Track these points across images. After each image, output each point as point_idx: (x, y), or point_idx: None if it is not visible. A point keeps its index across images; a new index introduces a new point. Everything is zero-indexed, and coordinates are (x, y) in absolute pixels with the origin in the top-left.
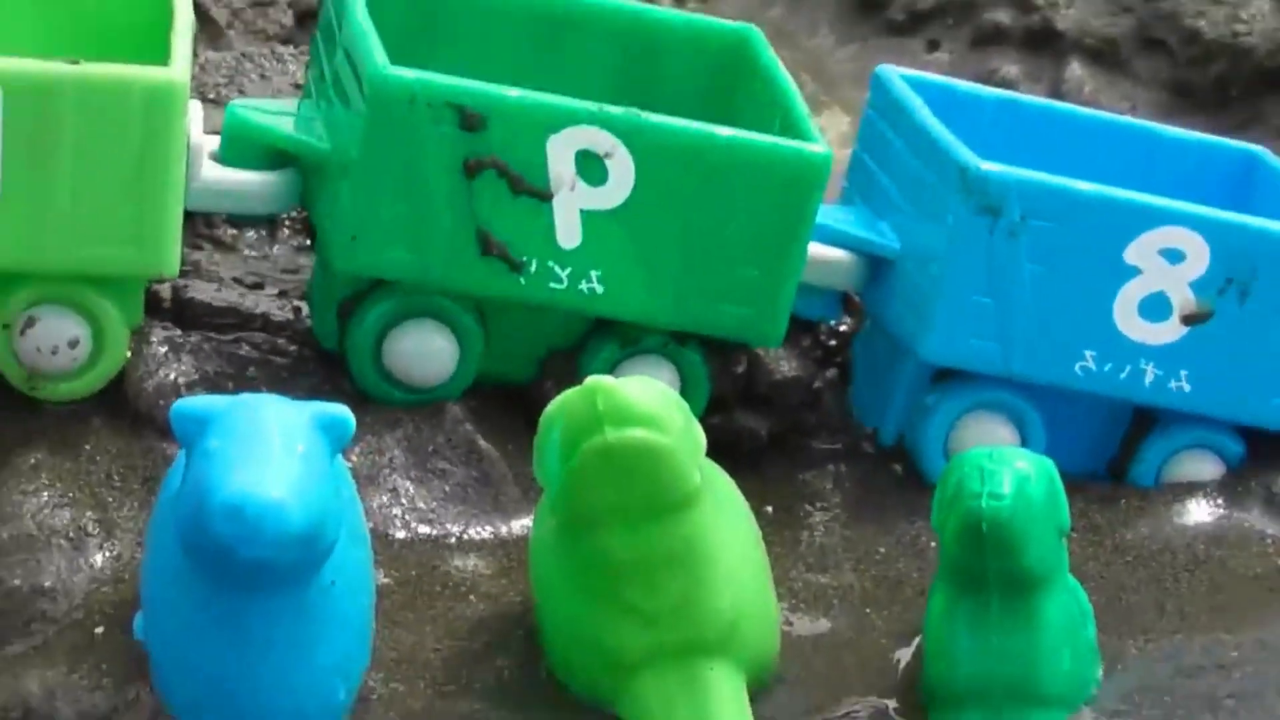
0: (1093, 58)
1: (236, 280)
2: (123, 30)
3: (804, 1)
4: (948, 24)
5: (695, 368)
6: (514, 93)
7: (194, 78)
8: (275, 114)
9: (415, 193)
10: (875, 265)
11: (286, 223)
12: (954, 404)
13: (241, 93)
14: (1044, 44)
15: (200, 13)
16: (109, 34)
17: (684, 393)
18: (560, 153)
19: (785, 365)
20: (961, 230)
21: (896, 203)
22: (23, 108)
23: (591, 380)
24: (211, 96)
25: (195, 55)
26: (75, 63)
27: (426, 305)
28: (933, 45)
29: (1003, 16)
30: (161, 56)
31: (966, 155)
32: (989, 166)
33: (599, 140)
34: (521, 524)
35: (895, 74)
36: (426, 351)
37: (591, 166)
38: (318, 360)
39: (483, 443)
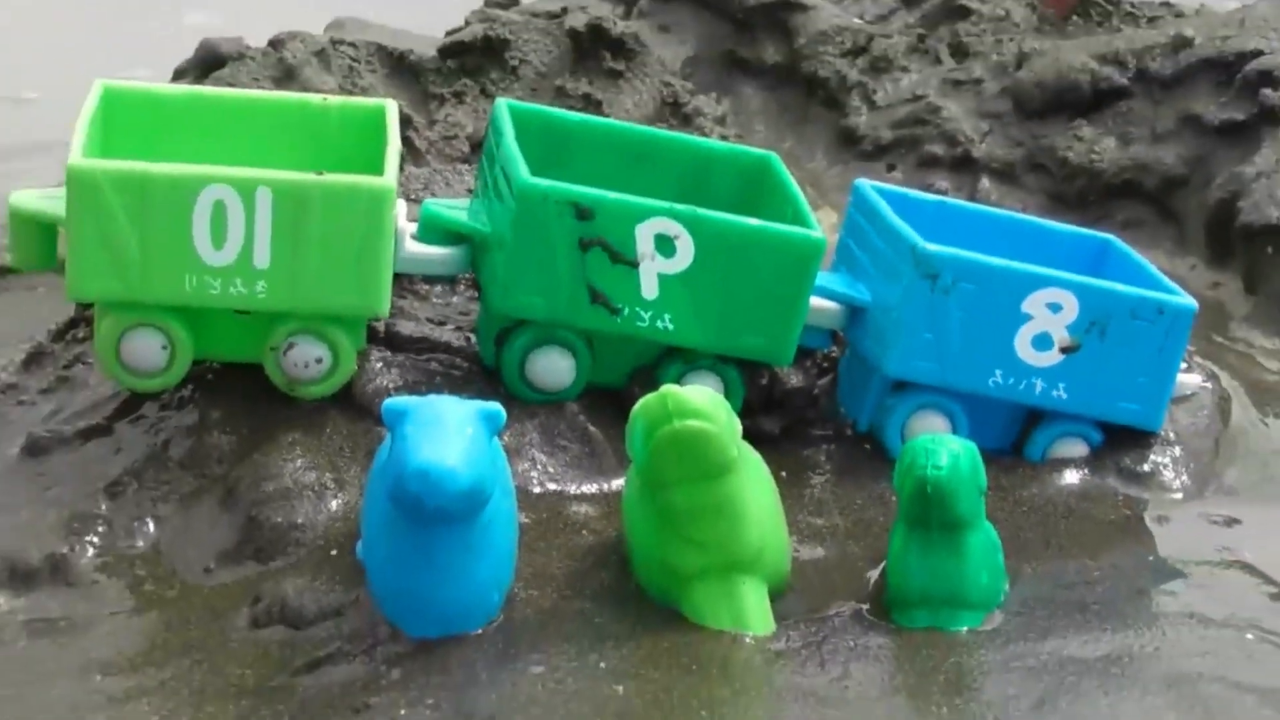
0: (998, 175)
1: (428, 319)
2: (353, 150)
3: (806, 136)
4: (901, 153)
5: (734, 379)
6: (613, 195)
7: (401, 184)
8: (454, 208)
9: (546, 261)
10: (854, 312)
11: (463, 281)
12: (907, 404)
13: (433, 195)
14: (965, 166)
15: (408, 143)
16: (345, 152)
17: (726, 395)
18: (644, 235)
19: (793, 378)
20: (911, 289)
21: (869, 271)
22: (286, 205)
23: (664, 387)
24: (413, 197)
25: (402, 169)
26: (320, 174)
27: (554, 336)
28: (891, 167)
29: (937, 149)
30: (378, 169)
31: (915, 238)
32: (930, 246)
33: (670, 227)
34: (617, 483)
35: (868, 184)
36: (554, 368)
37: (665, 245)
38: (481, 374)
39: (592, 428)
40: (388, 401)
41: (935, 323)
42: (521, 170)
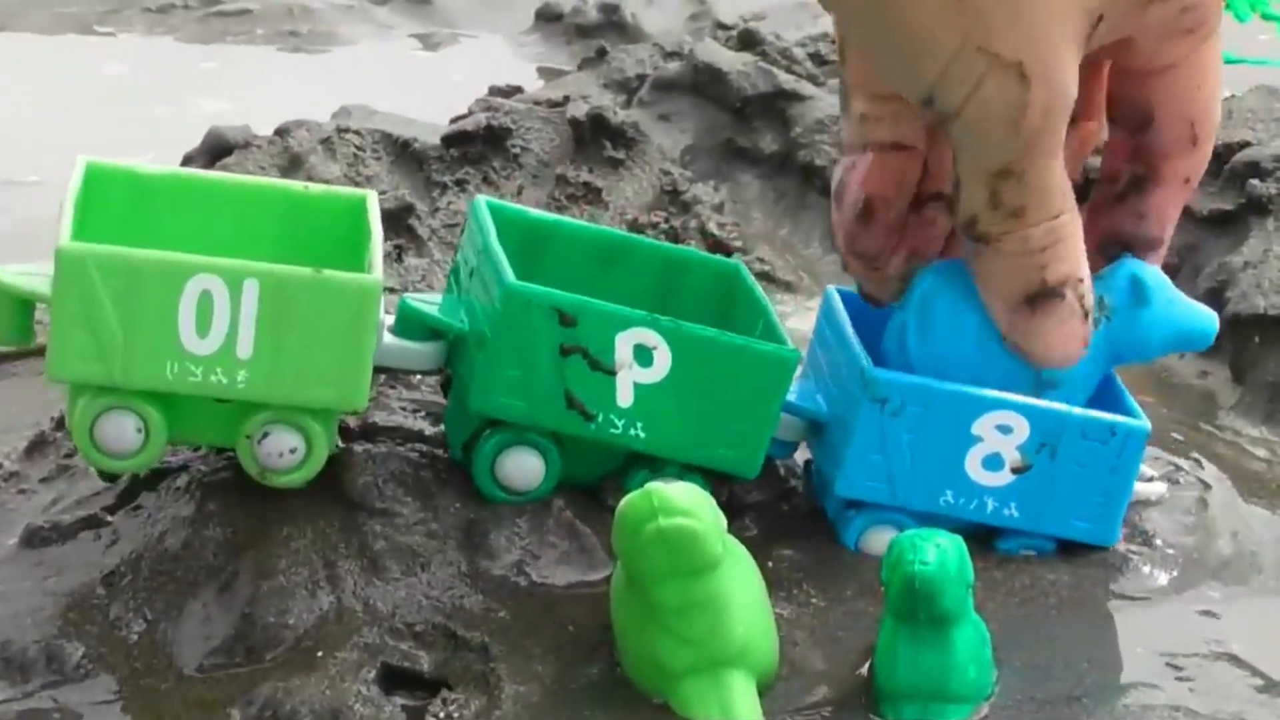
0: None
1: (402, 407)
2: (335, 239)
3: (802, 223)
4: None
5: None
6: (597, 304)
7: (400, 274)
8: (431, 304)
9: (527, 364)
10: (814, 424)
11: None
12: (861, 520)
13: (431, 286)
14: None
15: (410, 230)
16: (326, 240)
17: None
18: (624, 344)
19: (754, 493)
20: (862, 410)
21: (828, 382)
22: (271, 297)
23: (649, 484)
24: (412, 290)
25: (401, 258)
26: (319, 271)
27: (525, 437)
28: None
29: None
30: (358, 258)
31: (864, 360)
32: (879, 370)
33: (649, 338)
34: (605, 576)
35: (836, 292)
36: (525, 468)
37: (643, 354)
38: (459, 466)
39: (580, 524)
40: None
41: (885, 444)
42: (507, 273)
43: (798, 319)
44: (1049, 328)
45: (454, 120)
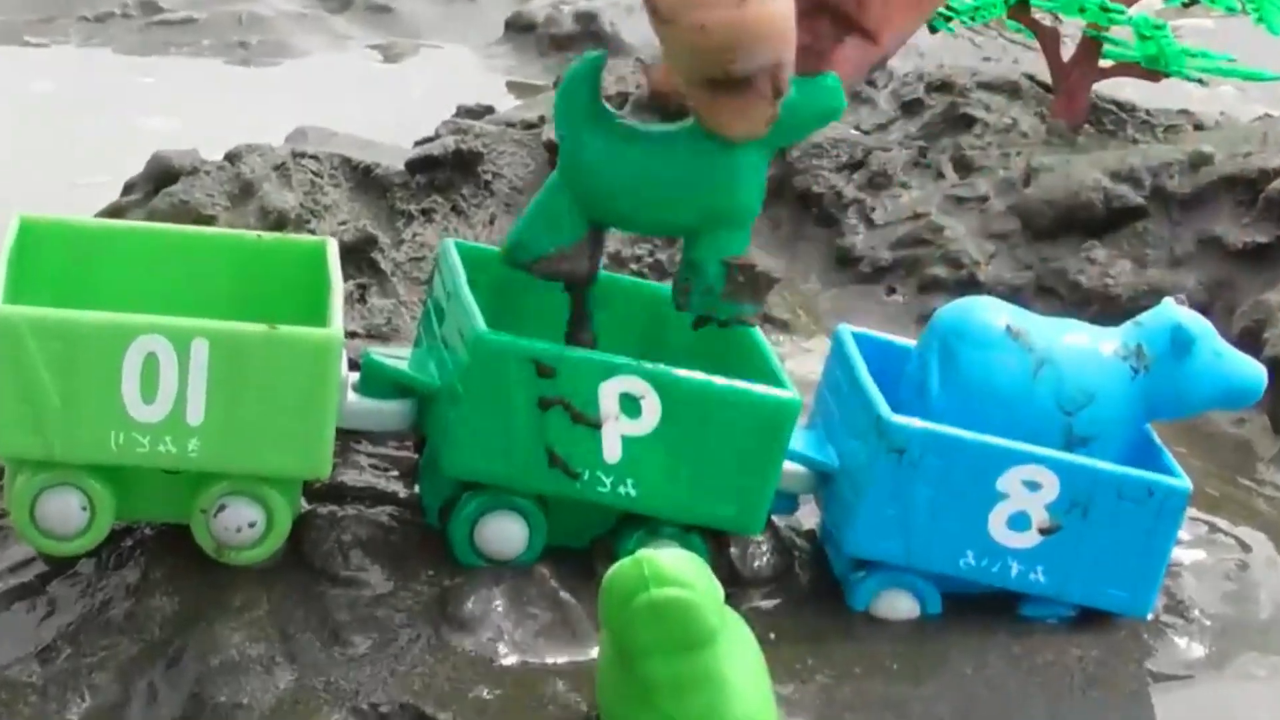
0: (1005, 300)
1: (372, 466)
2: (291, 289)
3: (800, 257)
4: (901, 275)
5: (699, 550)
6: (577, 352)
7: (364, 317)
8: (398, 358)
9: (503, 421)
10: (823, 476)
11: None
12: (872, 583)
13: (396, 330)
14: (970, 290)
15: (373, 265)
16: (282, 291)
17: None
18: (609, 394)
19: (757, 560)
20: (877, 461)
21: (839, 430)
22: (222, 358)
23: (640, 552)
24: (375, 334)
25: (364, 298)
26: (274, 328)
27: (507, 501)
28: (890, 290)
29: (940, 271)
30: (319, 309)
31: (881, 406)
32: (897, 418)
33: (636, 386)
34: (591, 653)
35: (848, 332)
36: (506, 534)
37: (630, 405)
38: (434, 529)
39: (563, 594)
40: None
41: (902, 499)
42: (478, 322)
43: (796, 361)
44: (730, 111)
45: (419, 143)
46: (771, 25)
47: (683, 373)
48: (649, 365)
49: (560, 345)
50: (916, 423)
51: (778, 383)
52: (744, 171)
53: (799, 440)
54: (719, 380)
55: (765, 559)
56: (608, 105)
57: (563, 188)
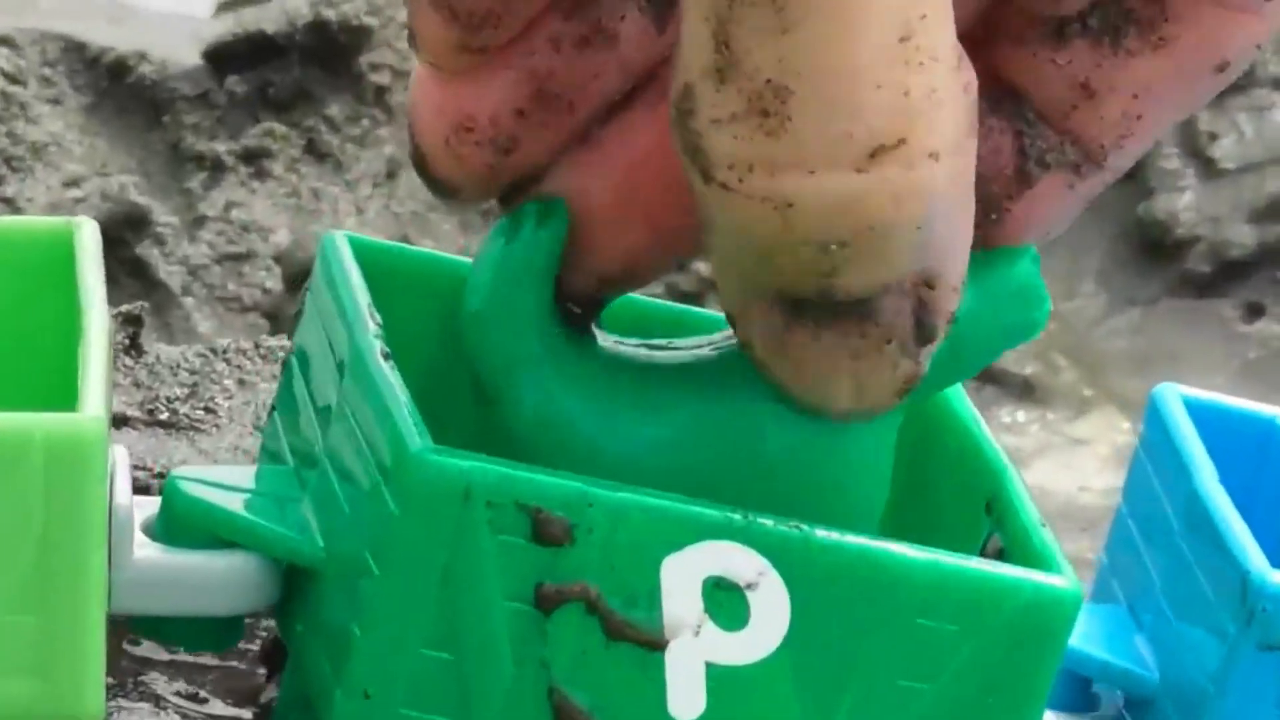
0: None
1: (179, 694)
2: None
3: (1058, 241)
4: (1277, 276)
5: None
6: (620, 491)
7: (135, 380)
8: (230, 487)
9: (463, 631)
10: (1132, 707)
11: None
12: None
13: (209, 410)
14: None
15: (144, 272)
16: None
17: None
18: (681, 581)
19: None
20: (1240, 668)
21: (1159, 603)
22: None
23: None
24: (164, 417)
25: (136, 345)
26: None
27: None
28: (1254, 311)
29: None
30: (65, 374)
31: (1253, 554)
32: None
33: (741, 563)
34: None
35: (1177, 396)
36: None
37: (727, 601)
38: None
39: None
40: None
41: None
42: (409, 425)
43: (1052, 463)
44: (825, 363)
45: (226, 5)
46: (930, 202)
47: (840, 536)
48: (768, 521)
49: (582, 478)
50: None
51: (1036, 549)
52: (856, 470)
53: (1080, 631)
54: (918, 553)
55: None
56: (571, 312)
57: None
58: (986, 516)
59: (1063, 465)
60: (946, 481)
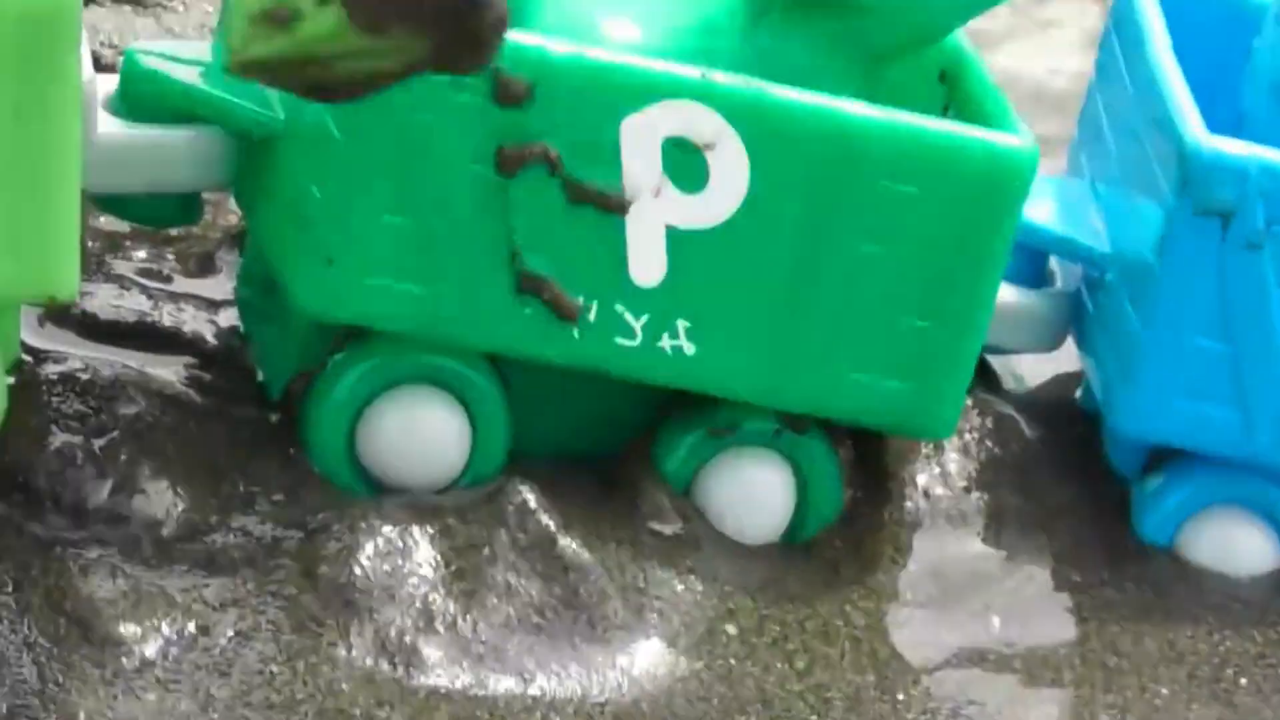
0: None
1: (143, 284)
2: None
3: None
4: None
5: (819, 465)
6: (575, 50)
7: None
8: (183, 61)
9: (423, 196)
10: (1090, 285)
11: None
12: (1176, 497)
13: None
14: None
15: None
16: None
17: (805, 501)
18: (641, 141)
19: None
20: (1178, 238)
21: (1114, 175)
22: None
23: None
24: (135, 10)
25: None
26: None
27: (425, 368)
28: None
29: None
30: None
31: (1191, 121)
32: (1220, 144)
33: (700, 122)
34: (623, 661)
35: None
36: (424, 435)
37: (686, 163)
38: (269, 407)
39: (573, 545)
40: None
41: (1231, 317)
42: None
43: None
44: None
45: None
46: None
47: (796, 95)
48: (726, 80)
49: (541, 36)
50: (1261, 152)
51: (1003, 119)
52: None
53: (1039, 208)
54: (868, 111)
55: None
56: None
57: None
58: (940, 85)
59: (1034, 48)
60: (903, 63)
